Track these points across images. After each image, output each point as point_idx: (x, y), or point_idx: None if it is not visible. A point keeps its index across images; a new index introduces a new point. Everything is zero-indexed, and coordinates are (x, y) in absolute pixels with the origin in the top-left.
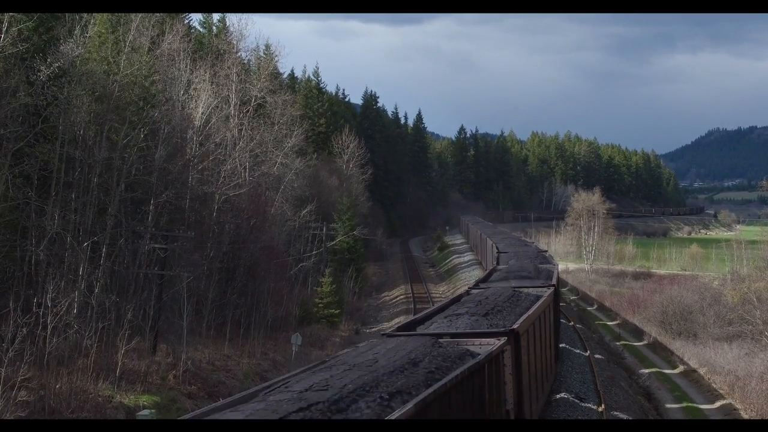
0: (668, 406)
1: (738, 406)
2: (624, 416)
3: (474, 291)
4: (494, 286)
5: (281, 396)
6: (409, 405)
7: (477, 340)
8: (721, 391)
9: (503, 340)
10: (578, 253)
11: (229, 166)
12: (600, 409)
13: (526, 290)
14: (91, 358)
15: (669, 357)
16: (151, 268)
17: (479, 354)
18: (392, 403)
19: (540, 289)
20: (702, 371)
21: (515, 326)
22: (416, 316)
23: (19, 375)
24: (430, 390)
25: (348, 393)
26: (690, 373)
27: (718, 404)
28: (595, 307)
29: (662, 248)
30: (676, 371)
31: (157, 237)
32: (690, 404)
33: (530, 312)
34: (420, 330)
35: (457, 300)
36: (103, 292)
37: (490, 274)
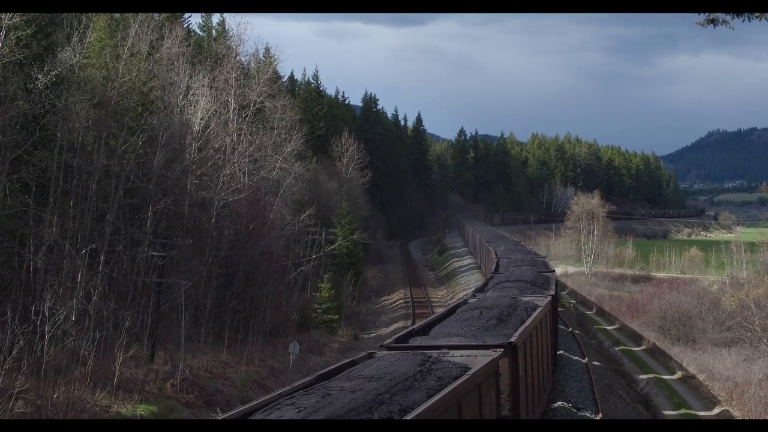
0: None
1: (736, 413)
2: None
3: (380, 354)
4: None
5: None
6: None
7: None
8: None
9: None
10: (578, 256)
11: (228, 171)
12: None
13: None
14: (89, 367)
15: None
16: (149, 276)
17: None
18: None
19: (478, 355)
20: (701, 377)
21: None
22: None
23: (17, 386)
24: None
25: None
26: None
27: None
28: (617, 328)
29: (662, 251)
30: None
31: (155, 245)
32: None
33: None
34: None
35: (347, 367)
36: (101, 300)
37: (445, 315)
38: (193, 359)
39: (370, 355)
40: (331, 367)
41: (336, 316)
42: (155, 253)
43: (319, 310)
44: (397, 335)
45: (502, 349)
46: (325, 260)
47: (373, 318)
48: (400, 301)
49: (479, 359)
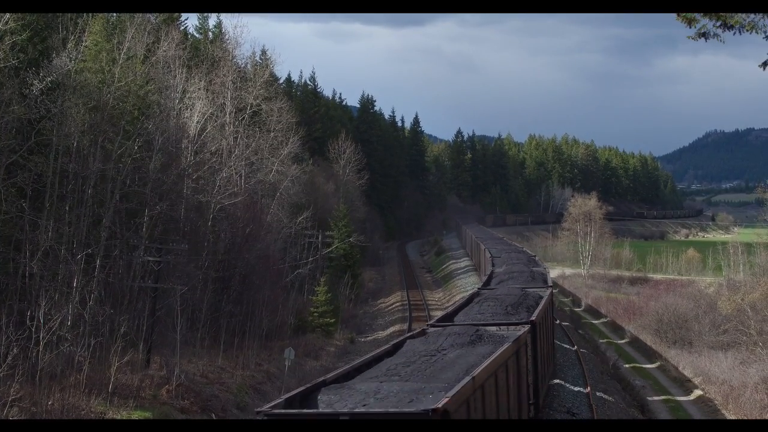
0: None
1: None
2: None
3: (483, 292)
4: None
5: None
6: None
7: None
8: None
9: None
10: (575, 258)
11: (224, 175)
12: None
13: None
14: (84, 374)
15: None
16: (145, 280)
17: None
18: None
19: (541, 293)
20: (697, 381)
21: None
22: None
23: (11, 393)
24: None
25: None
26: None
27: None
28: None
29: (659, 253)
30: None
31: (150, 250)
32: None
33: None
34: None
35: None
36: (97, 304)
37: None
38: (189, 364)
39: (479, 293)
40: (468, 296)
41: (332, 320)
42: (151, 258)
43: (315, 314)
44: (480, 286)
45: (551, 290)
46: (321, 263)
47: (370, 321)
48: (397, 304)
49: (541, 291)
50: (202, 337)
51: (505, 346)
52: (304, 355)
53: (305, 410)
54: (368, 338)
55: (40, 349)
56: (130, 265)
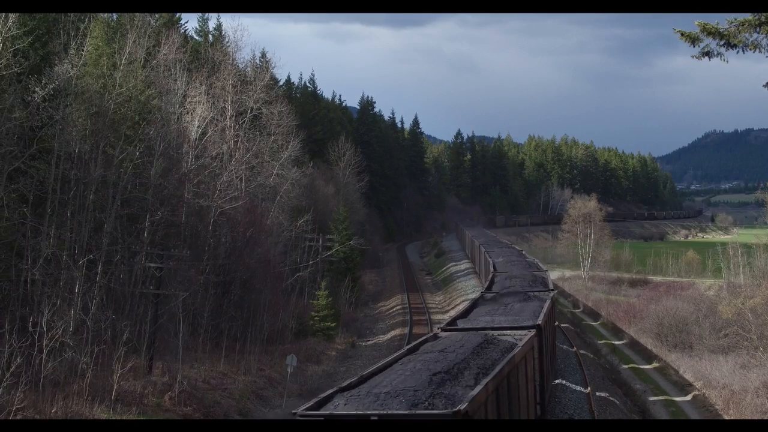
0: None
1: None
2: None
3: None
4: None
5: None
6: None
7: None
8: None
9: None
10: (575, 260)
11: (225, 179)
12: None
13: None
14: (87, 381)
15: None
16: (146, 286)
17: None
18: None
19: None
20: (698, 385)
21: None
22: None
23: (15, 402)
24: None
25: None
26: None
27: None
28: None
29: (659, 254)
30: None
31: (152, 255)
32: None
33: None
34: None
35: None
36: (99, 311)
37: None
38: (191, 370)
39: (497, 274)
40: (490, 277)
41: (333, 324)
42: (152, 264)
43: (316, 318)
44: (493, 270)
45: (548, 272)
46: (322, 266)
47: (371, 325)
48: (398, 307)
49: (544, 274)
50: (204, 342)
51: (548, 302)
52: (306, 359)
53: (464, 326)
54: (369, 342)
55: (43, 357)
56: (131, 271)
